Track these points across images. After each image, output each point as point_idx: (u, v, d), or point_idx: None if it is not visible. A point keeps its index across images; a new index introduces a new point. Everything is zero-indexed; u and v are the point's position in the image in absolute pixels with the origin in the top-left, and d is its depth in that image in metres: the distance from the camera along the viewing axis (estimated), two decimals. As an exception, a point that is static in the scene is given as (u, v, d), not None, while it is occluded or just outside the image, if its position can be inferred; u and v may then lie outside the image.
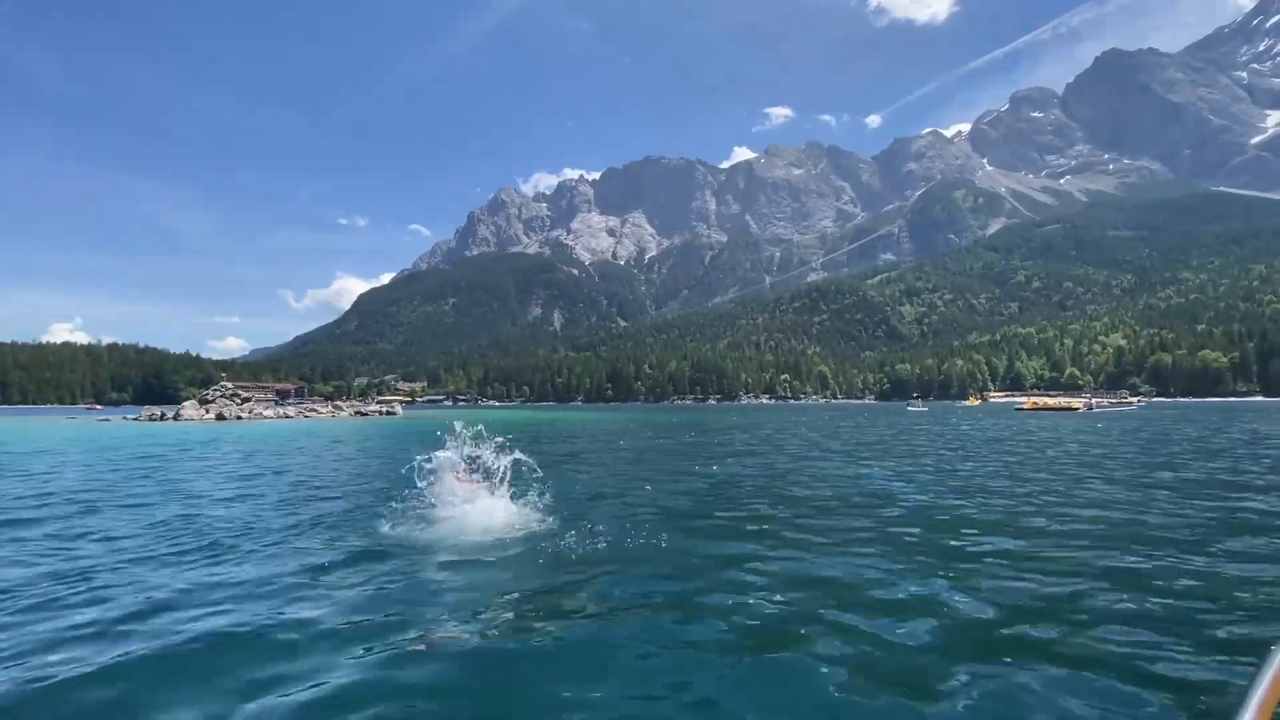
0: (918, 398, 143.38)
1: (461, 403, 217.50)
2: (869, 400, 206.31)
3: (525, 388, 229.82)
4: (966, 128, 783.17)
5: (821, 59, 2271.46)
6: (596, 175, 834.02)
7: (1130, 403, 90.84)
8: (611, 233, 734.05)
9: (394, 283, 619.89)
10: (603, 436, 29.20)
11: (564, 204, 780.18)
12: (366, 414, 61.79)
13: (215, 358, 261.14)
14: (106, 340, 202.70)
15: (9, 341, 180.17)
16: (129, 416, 54.10)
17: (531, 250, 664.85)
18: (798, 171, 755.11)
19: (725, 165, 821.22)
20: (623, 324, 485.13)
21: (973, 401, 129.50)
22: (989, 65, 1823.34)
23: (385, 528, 7.73)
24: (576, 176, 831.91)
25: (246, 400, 55.31)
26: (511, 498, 8.39)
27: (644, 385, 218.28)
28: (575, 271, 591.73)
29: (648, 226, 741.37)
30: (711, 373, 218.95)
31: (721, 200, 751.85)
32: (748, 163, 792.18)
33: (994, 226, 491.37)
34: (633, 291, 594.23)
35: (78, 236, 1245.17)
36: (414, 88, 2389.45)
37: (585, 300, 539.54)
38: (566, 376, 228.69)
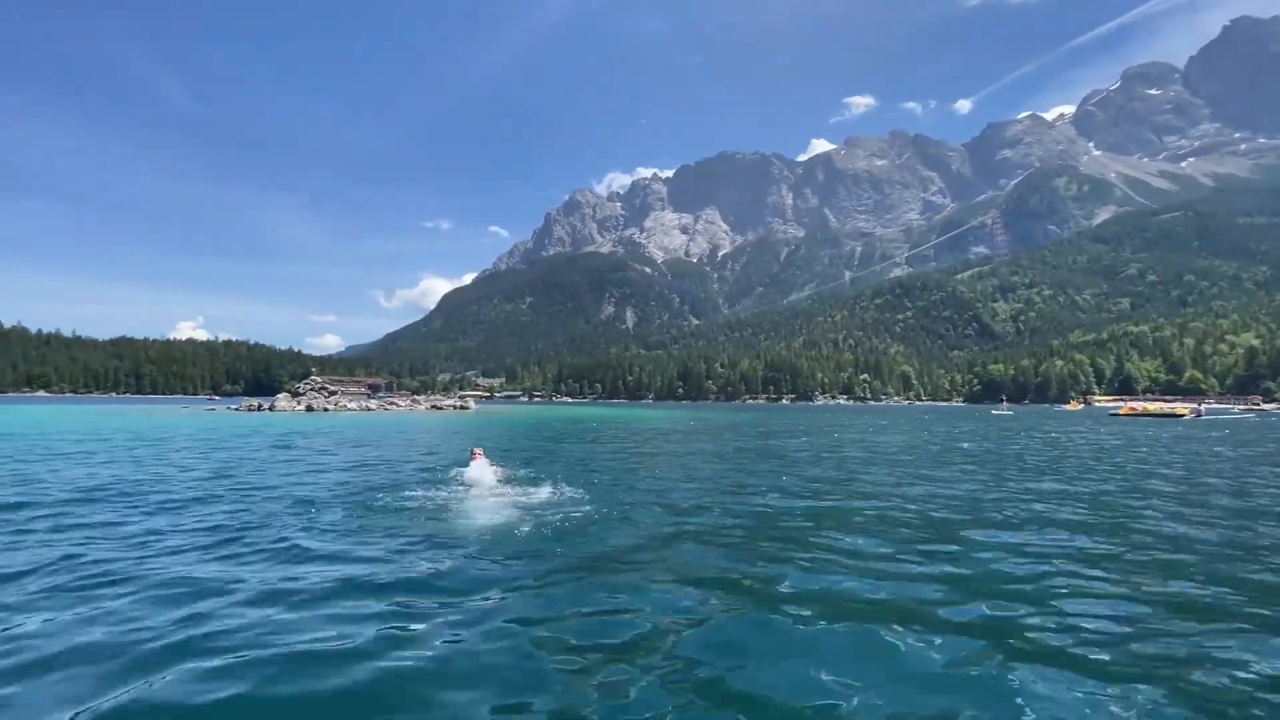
0: (1004, 400, 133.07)
1: (537, 399, 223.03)
2: (956, 402, 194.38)
3: (597, 385, 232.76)
4: (1070, 110, 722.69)
5: (905, 44, 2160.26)
6: (670, 173, 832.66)
7: (1262, 408, 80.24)
8: (684, 230, 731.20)
9: (475, 283, 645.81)
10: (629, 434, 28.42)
11: (637, 203, 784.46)
12: (441, 408, 64.20)
13: (315, 354, 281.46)
14: (223, 337, 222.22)
15: (142, 338, 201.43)
16: (231, 407, 58.69)
17: (605, 249, 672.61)
18: (880, 162, 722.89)
19: (802, 158, 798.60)
20: (695, 322, 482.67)
21: (1074, 406, 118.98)
22: (1096, 41, 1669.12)
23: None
24: (650, 175, 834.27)
25: (333, 394, 58.87)
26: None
27: (715, 384, 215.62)
28: (647, 270, 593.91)
29: (721, 223, 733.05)
30: (785, 372, 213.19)
31: (798, 194, 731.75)
32: (826, 154, 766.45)
33: (1101, 216, 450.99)
34: (705, 289, 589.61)
35: (200, 243, 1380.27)
36: (490, 94, 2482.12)
37: (657, 299, 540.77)
38: (637, 375, 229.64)
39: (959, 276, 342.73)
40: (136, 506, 9.68)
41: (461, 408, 67.62)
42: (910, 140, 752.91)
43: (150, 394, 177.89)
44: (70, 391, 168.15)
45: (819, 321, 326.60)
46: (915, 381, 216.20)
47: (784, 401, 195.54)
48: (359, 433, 29.59)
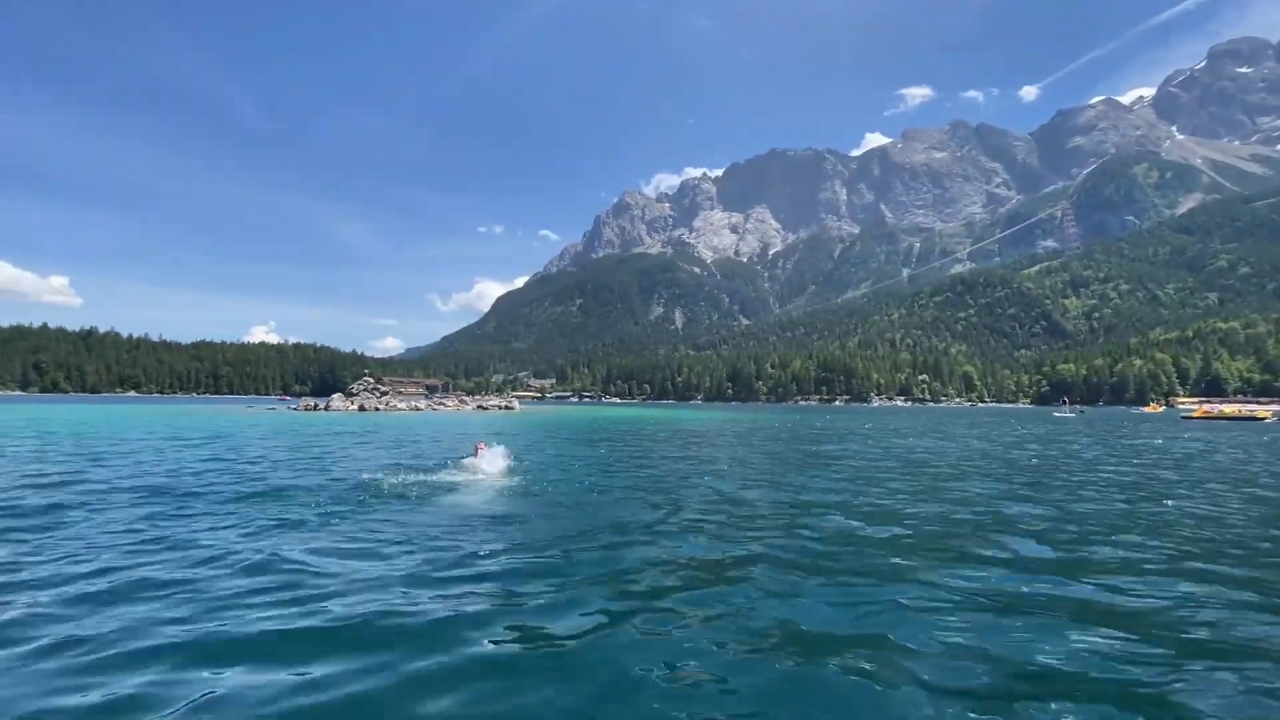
0: (1065, 401, 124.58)
1: (587, 399, 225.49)
2: (1023, 404, 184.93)
3: (646, 385, 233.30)
4: (1149, 92, 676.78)
5: (964, 31, 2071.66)
6: (719, 172, 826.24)
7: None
8: (734, 229, 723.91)
9: (527, 286, 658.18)
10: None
11: (686, 203, 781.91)
12: (486, 409, 65.69)
13: (376, 355, 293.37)
14: (292, 340, 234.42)
15: (219, 342, 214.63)
16: (291, 406, 61.82)
17: (654, 250, 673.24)
18: (940, 155, 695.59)
19: (856, 153, 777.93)
20: (745, 322, 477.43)
21: (1154, 408, 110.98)
22: (1178, 19, 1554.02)
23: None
24: (699, 175, 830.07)
25: (384, 394, 61.03)
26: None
27: (765, 385, 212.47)
28: (696, 270, 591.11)
29: (772, 221, 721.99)
30: (839, 372, 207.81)
31: (853, 190, 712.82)
32: (882, 148, 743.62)
33: (1186, 204, 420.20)
34: (756, 289, 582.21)
35: (271, 251, 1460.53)
36: (538, 101, 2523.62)
37: (706, 299, 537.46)
38: (686, 375, 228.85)
39: (1026, 272, 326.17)
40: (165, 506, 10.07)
41: (506, 408, 69.02)
42: (972, 130, 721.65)
43: (227, 394, 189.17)
44: (157, 392, 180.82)
45: (875, 320, 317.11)
46: (978, 382, 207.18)
47: (837, 403, 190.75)
48: (394, 431, 30.45)
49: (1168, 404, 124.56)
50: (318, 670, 3.94)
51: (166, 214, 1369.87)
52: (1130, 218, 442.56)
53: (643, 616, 5.06)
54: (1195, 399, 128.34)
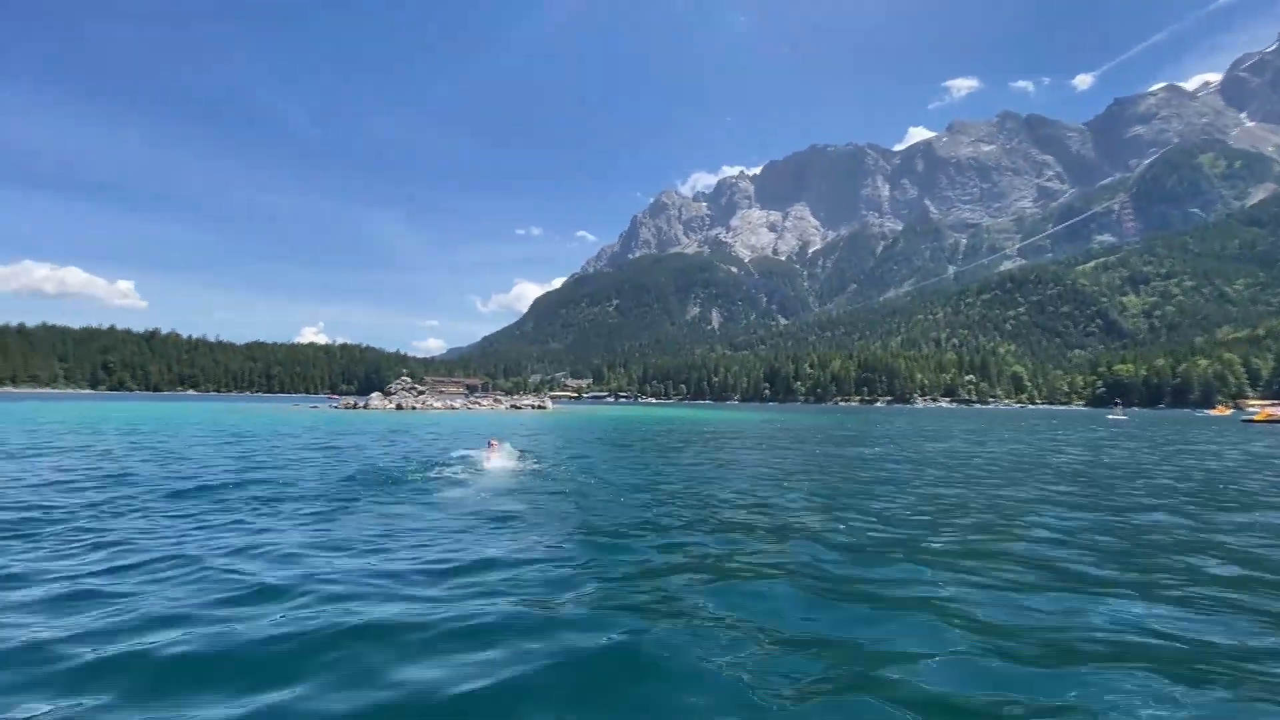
0: (1118, 404, 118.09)
1: (623, 399, 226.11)
2: (1076, 406, 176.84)
3: (682, 386, 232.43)
4: (1215, 78, 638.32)
5: (1012, 19, 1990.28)
6: (756, 170, 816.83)
7: None
8: (772, 228, 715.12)
9: (564, 287, 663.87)
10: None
11: (723, 202, 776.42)
12: (520, 408, 66.42)
13: (419, 356, 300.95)
14: (339, 341, 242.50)
15: (272, 343, 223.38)
16: (333, 405, 63.75)
17: (690, 250, 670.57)
18: (987, 147, 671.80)
19: (899, 148, 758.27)
20: (783, 322, 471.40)
21: (1220, 411, 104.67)
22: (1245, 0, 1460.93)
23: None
24: (736, 173, 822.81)
25: (420, 393, 62.43)
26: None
27: (804, 385, 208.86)
28: (733, 269, 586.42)
29: (811, 219, 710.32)
30: (881, 372, 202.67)
31: (895, 186, 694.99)
32: (926, 142, 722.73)
33: (1257, 195, 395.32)
34: (794, 288, 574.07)
35: (320, 254, 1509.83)
36: (572, 101, 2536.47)
37: (744, 298, 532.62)
38: (723, 375, 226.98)
39: (1080, 268, 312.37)
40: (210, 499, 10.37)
41: (539, 407, 69.77)
42: (1022, 122, 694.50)
43: (279, 393, 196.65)
44: (214, 390, 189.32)
45: (918, 319, 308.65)
46: (1028, 383, 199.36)
47: (878, 404, 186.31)
48: (423, 429, 30.91)
49: (1237, 406, 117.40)
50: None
51: (223, 221, 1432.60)
52: (1195, 210, 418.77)
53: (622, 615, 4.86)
54: (1269, 401, 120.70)
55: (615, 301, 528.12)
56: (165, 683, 3.81)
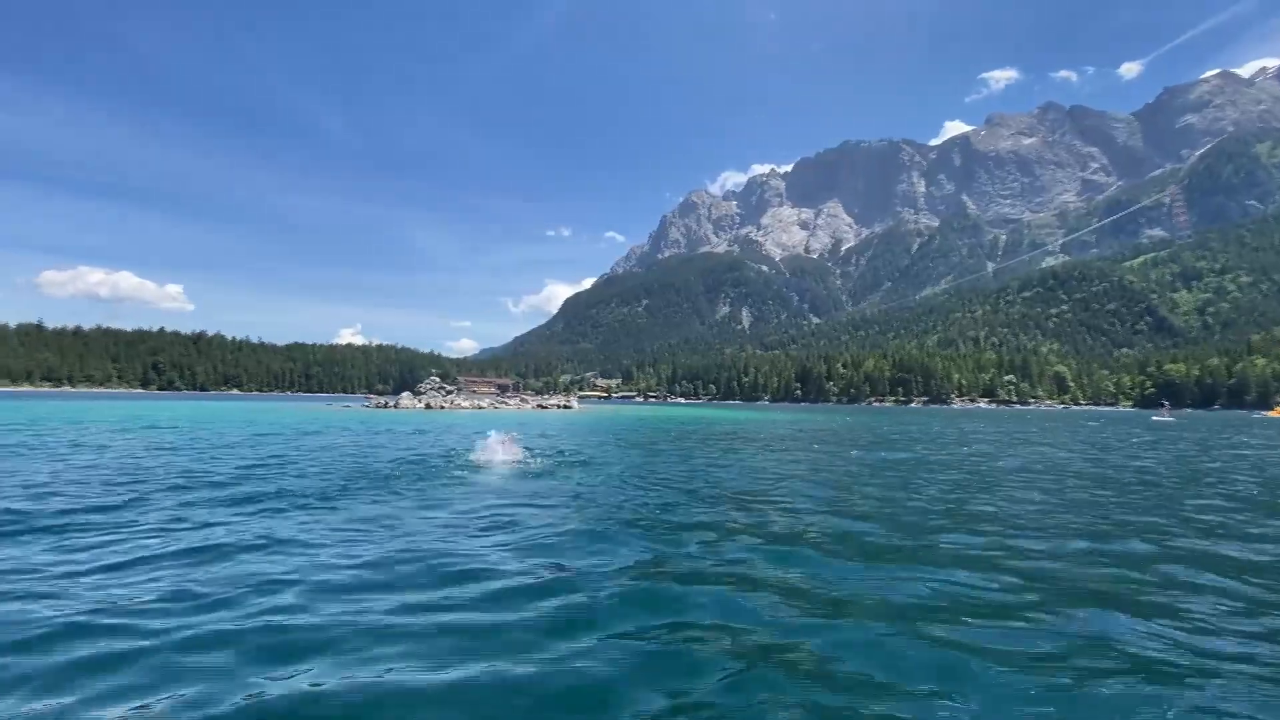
0: (1164, 405, 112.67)
1: (652, 399, 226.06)
2: (1124, 407, 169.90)
3: (711, 386, 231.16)
4: (1273, 64, 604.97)
5: (1054, 5, 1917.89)
6: (788, 168, 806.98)
7: None
8: (804, 225, 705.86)
9: (594, 287, 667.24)
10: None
11: (754, 200, 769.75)
12: (546, 407, 66.81)
13: (452, 356, 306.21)
14: (376, 342, 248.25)
15: (311, 344, 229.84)
16: (364, 405, 64.99)
17: (720, 249, 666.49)
18: (1028, 141, 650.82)
19: (935, 142, 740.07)
20: (815, 321, 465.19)
21: (1278, 413, 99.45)
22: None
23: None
24: (766, 171, 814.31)
25: (449, 393, 63.35)
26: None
27: (836, 385, 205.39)
28: (764, 268, 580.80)
29: (844, 216, 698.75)
30: (916, 372, 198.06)
31: (932, 181, 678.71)
32: (963, 136, 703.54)
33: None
34: (826, 286, 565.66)
35: (357, 257, 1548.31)
36: (601, 103, 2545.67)
37: (774, 297, 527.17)
38: (753, 375, 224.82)
39: (1128, 264, 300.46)
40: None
41: (564, 407, 70.02)
42: (1065, 113, 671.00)
43: (318, 392, 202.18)
44: (256, 390, 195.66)
45: (956, 318, 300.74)
46: (1071, 383, 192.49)
47: (914, 404, 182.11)
48: (444, 426, 31.16)
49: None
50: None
51: (265, 225, 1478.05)
52: (1252, 202, 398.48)
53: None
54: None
55: (645, 301, 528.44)
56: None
